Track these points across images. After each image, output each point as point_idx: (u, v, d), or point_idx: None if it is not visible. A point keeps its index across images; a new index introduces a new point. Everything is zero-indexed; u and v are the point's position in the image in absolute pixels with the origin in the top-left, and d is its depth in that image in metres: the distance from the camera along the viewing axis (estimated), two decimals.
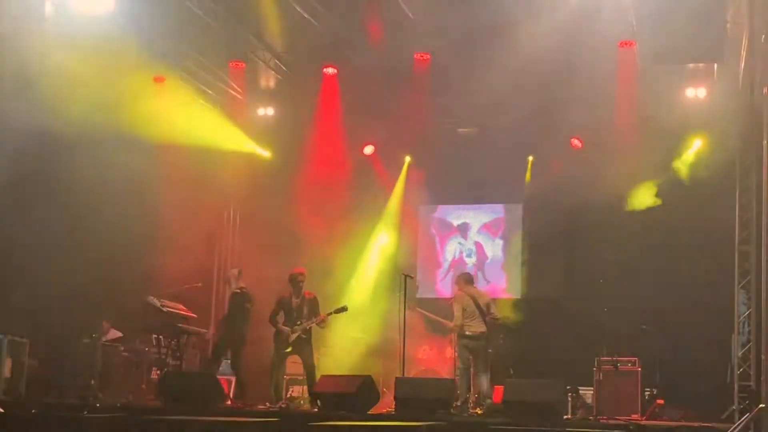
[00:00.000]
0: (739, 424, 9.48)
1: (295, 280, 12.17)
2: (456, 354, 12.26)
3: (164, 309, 12.60)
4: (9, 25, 11.16)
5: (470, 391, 12.00)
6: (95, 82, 12.48)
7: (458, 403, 11.53)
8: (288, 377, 13.27)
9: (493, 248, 15.92)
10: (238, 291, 12.43)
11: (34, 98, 11.84)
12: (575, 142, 14.99)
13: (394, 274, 13.74)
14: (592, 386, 12.21)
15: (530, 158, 15.25)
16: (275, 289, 12.63)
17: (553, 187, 14.64)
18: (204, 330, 13.61)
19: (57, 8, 12.12)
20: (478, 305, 12.16)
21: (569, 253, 15.02)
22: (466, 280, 12.67)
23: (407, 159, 15.99)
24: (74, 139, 12.48)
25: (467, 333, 12.07)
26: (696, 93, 14.04)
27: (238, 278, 12.61)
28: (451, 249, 16.15)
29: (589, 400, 12.41)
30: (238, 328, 12.30)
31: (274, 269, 13.20)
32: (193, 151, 14.52)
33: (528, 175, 15.36)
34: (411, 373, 13.19)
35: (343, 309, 12.34)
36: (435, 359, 13.94)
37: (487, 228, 16.00)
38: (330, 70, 14.28)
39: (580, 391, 12.56)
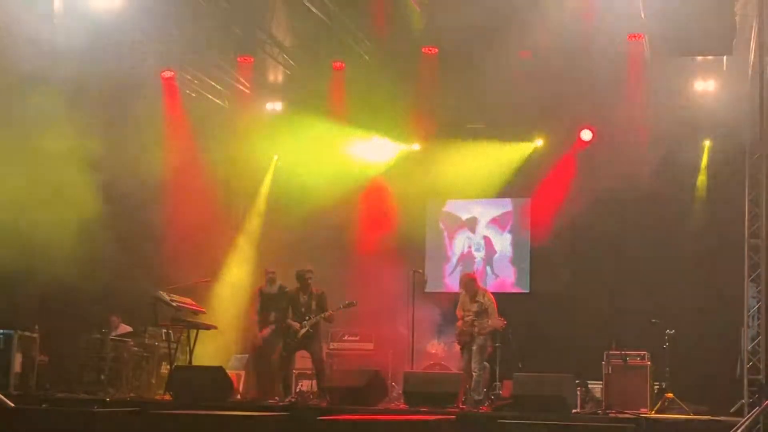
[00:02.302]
0: (748, 418, 9.46)
1: (302, 277, 12.17)
2: (480, 349, 12.09)
3: (173, 303, 12.60)
4: (16, 22, 11.18)
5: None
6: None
7: (480, 398, 11.57)
8: (297, 372, 13.28)
9: (502, 243, 15.88)
10: (286, 290, 12.51)
11: (47, 94, 11.92)
12: (585, 133, 14.92)
13: (402, 268, 13.73)
14: (601, 380, 12.19)
15: (539, 143, 15.27)
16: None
17: (562, 181, 14.62)
18: (214, 325, 13.60)
19: (65, 3, 12.15)
20: None
21: (577, 247, 14.97)
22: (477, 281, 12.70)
23: (416, 149, 15.92)
24: (83, 139, 12.54)
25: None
26: (705, 86, 13.98)
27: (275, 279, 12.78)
28: (460, 243, 16.11)
29: (598, 394, 12.38)
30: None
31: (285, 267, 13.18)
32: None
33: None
34: (420, 367, 13.20)
35: (352, 304, 12.34)
36: (444, 354, 13.93)
37: (496, 222, 15.97)
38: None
39: (589, 385, 12.54)
